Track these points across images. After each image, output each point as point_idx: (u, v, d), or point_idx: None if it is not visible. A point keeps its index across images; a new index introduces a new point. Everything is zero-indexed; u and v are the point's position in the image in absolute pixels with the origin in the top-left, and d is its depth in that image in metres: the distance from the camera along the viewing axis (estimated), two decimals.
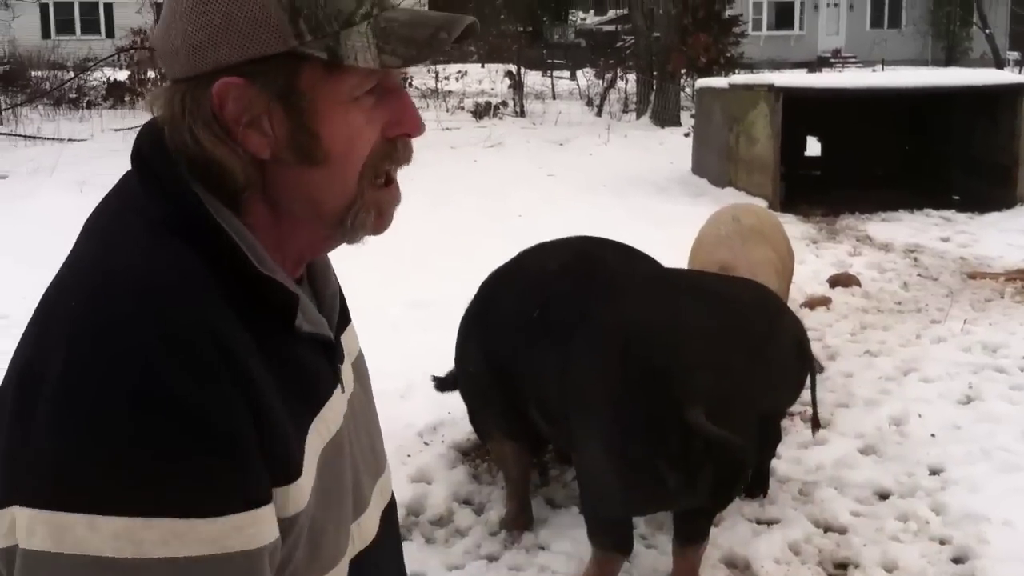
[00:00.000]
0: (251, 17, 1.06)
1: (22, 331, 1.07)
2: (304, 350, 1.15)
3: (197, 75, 1.08)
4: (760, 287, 4.05)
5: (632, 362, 3.34)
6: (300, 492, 1.07)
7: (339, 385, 1.23)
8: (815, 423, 4.14)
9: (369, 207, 1.15)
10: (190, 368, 0.97)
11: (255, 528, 1.00)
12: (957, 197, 11.59)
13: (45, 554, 0.93)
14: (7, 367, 1.03)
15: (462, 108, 22.86)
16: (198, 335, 0.99)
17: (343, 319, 1.33)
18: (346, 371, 1.28)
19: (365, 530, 1.28)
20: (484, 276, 4.37)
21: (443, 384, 4.69)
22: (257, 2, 1.06)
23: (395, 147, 1.15)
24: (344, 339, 1.30)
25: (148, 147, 1.12)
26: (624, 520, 3.68)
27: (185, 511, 0.95)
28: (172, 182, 1.09)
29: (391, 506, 1.39)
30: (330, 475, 1.16)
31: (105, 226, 1.11)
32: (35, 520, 0.94)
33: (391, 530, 1.37)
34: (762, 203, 10.12)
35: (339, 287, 1.33)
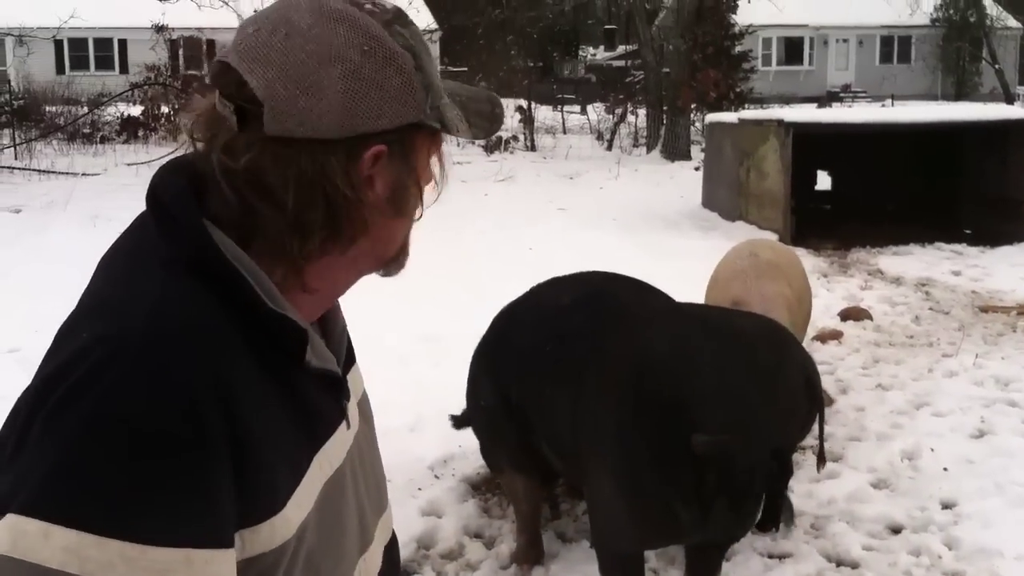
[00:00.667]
0: (400, 91, 1.13)
1: (35, 364, 1.09)
2: (312, 385, 1.18)
3: (345, 138, 1.11)
4: (769, 321, 4.05)
5: (643, 395, 3.34)
6: (287, 522, 1.09)
7: (344, 421, 1.25)
8: (820, 459, 4.13)
9: (409, 248, 1.26)
10: (178, 409, 1.00)
11: (208, 566, 1.00)
12: (968, 231, 11.58)
13: (1, 556, 0.96)
14: (18, 400, 1.06)
15: (473, 142, 22.95)
16: (193, 376, 1.02)
17: (349, 358, 1.35)
18: (352, 409, 1.30)
19: (371, 565, 1.31)
20: (494, 309, 4.37)
21: (460, 422, 4.68)
22: (403, 78, 1.13)
23: None
24: (350, 378, 1.32)
25: (164, 188, 1.15)
26: (636, 554, 3.67)
27: (139, 536, 0.96)
28: (187, 222, 1.11)
29: (392, 542, 1.42)
30: (331, 509, 1.19)
31: (121, 264, 1.14)
32: (4, 522, 0.96)
33: (393, 566, 1.41)
34: (773, 237, 10.14)
35: (344, 324, 1.36)
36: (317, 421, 1.19)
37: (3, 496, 0.98)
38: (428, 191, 1.23)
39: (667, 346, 3.49)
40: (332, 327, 1.30)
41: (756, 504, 3.42)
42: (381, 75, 1.11)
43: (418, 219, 1.24)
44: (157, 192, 1.14)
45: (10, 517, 0.96)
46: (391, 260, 1.24)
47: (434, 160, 1.22)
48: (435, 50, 33.57)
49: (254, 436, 1.05)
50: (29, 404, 1.02)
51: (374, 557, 1.32)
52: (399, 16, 1.15)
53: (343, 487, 1.23)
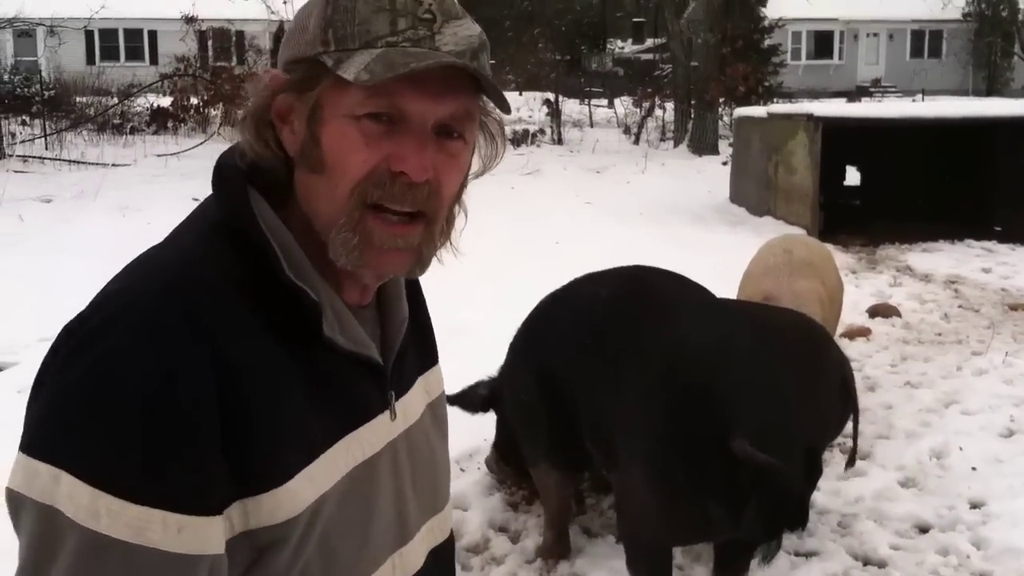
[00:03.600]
0: (304, 23, 1.18)
1: None
2: (344, 366, 1.19)
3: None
4: (806, 319, 4.01)
5: (678, 388, 3.32)
6: (293, 496, 1.11)
7: (388, 412, 1.26)
8: (851, 459, 4.09)
9: (353, 228, 1.16)
10: (167, 372, 1.04)
11: (184, 532, 1.03)
12: (999, 228, 11.49)
13: (17, 494, 1.04)
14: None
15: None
16: (189, 339, 1.06)
17: (430, 358, 1.39)
18: (409, 403, 1.32)
19: (407, 563, 1.30)
20: (521, 303, 4.36)
21: (455, 400, 4.58)
22: (312, 12, 1.17)
23: (393, 181, 1.16)
24: (426, 378, 1.36)
25: (223, 159, 1.22)
26: (664, 549, 3.66)
27: (121, 492, 1.01)
28: (230, 186, 1.18)
29: (444, 546, 1.41)
30: (358, 493, 1.20)
31: (176, 229, 1.21)
32: (18, 462, 1.05)
33: (441, 569, 1.40)
34: (801, 232, 10.08)
35: (427, 324, 1.40)
36: (349, 404, 1.20)
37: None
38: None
39: (707, 342, 3.46)
40: (391, 317, 1.31)
41: (788, 505, 3.39)
42: (305, 11, 1.19)
43: (368, 193, 1.15)
44: (219, 163, 1.21)
45: (22, 457, 1.04)
46: (328, 232, 1.17)
47: (378, 127, 1.14)
48: None
49: (254, 404, 1.08)
50: (50, 352, 1.09)
51: (413, 555, 1.32)
52: None
53: (376, 475, 1.23)
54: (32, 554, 1.03)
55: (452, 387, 5.50)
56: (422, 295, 1.44)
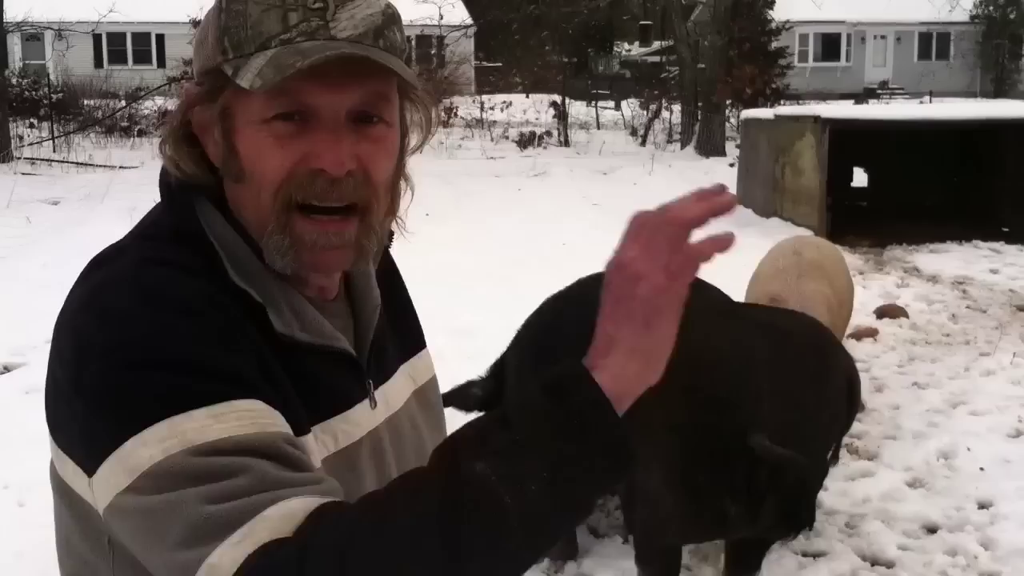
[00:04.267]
0: (203, 35, 1.19)
1: None
2: (312, 359, 1.20)
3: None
4: (811, 321, 3.99)
5: (696, 391, 3.31)
6: None
7: (368, 400, 1.26)
8: (834, 455, 4.09)
9: (283, 232, 1.16)
10: (205, 291, 1.11)
11: (279, 416, 1.08)
12: (1006, 229, 11.46)
13: (122, 494, 1.02)
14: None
15: (507, 138, 22.98)
16: (193, 287, 1.12)
17: (415, 344, 1.39)
18: (391, 391, 1.32)
19: None
20: (528, 304, 4.34)
21: (449, 399, 4.62)
22: (211, 20, 1.17)
23: (314, 179, 1.14)
24: (413, 363, 1.36)
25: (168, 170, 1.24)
26: (675, 547, 3.64)
27: (219, 396, 1.03)
28: (176, 195, 1.20)
29: None
30: (337, 481, 1.19)
31: (130, 234, 1.24)
32: (109, 465, 1.03)
33: None
34: (808, 234, 10.06)
35: (408, 309, 1.42)
36: (320, 395, 1.20)
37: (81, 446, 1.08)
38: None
39: (722, 342, 3.44)
40: (362, 306, 1.32)
41: (806, 500, 3.38)
42: (210, 19, 1.17)
43: (291, 196, 1.15)
44: (163, 173, 1.23)
45: (110, 458, 1.03)
46: (266, 239, 1.17)
47: (287, 126, 1.14)
48: (469, 45, 33.65)
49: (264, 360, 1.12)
50: (58, 357, 1.12)
51: None
52: None
53: (355, 463, 1.24)
54: (161, 510, 1.01)
55: None
56: (400, 281, 1.45)
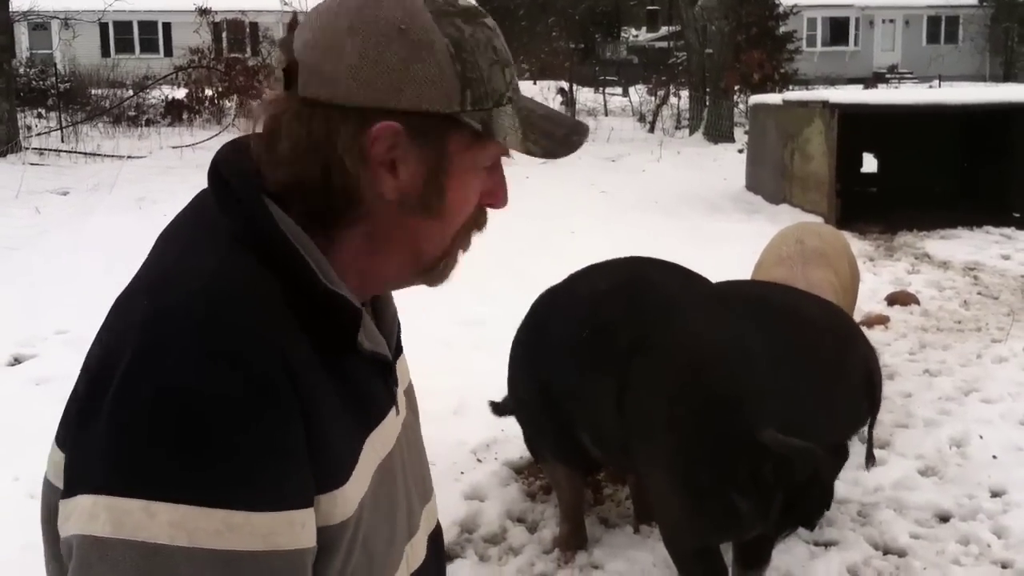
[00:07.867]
0: (428, 75, 1.11)
1: (84, 345, 1.11)
2: (364, 368, 1.19)
3: (359, 107, 1.11)
4: (836, 310, 3.90)
5: (700, 389, 3.27)
6: (347, 499, 1.11)
7: (394, 407, 1.26)
8: (869, 456, 4.04)
9: (454, 261, 1.23)
10: (251, 374, 1.01)
11: (304, 528, 1.03)
12: (1017, 214, 11.42)
13: (103, 539, 0.97)
14: (80, 370, 1.08)
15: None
16: (259, 343, 1.04)
17: (398, 347, 1.36)
18: (400, 396, 1.32)
19: (415, 552, 1.32)
20: (536, 293, 4.32)
21: (500, 409, 4.66)
22: (436, 63, 1.12)
23: (482, 213, 1.23)
24: (398, 367, 1.33)
25: (226, 165, 1.16)
26: (708, 547, 3.55)
27: (242, 503, 0.98)
28: (248, 198, 1.12)
29: (437, 532, 1.43)
30: (384, 493, 1.20)
31: (182, 238, 1.16)
32: (98, 505, 0.97)
33: (437, 555, 1.42)
34: (818, 220, 10.03)
35: (396, 312, 1.37)
36: (369, 405, 1.20)
37: (77, 470, 1.01)
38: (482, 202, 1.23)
39: (723, 335, 3.40)
40: (384, 312, 1.32)
41: (829, 489, 3.35)
42: (409, 55, 1.10)
43: (470, 231, 1.23)
44: (219, 168, 1.16)
45: (101, 499, 0.97)
46: (429, 266, 1.22)
47: (484, 171, 1.21)
48: None
49: (316, 409, 1.07)
50: (92, 377, 1.04)
51: (419, 545, 1.33)
52: (467, 12, 1.16)
53: (394, 473, 1.24)
54: None
55: (466, 378, 5.50)
56: None
